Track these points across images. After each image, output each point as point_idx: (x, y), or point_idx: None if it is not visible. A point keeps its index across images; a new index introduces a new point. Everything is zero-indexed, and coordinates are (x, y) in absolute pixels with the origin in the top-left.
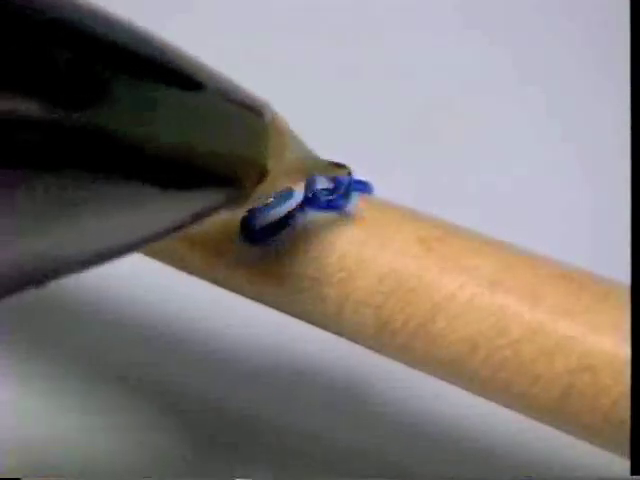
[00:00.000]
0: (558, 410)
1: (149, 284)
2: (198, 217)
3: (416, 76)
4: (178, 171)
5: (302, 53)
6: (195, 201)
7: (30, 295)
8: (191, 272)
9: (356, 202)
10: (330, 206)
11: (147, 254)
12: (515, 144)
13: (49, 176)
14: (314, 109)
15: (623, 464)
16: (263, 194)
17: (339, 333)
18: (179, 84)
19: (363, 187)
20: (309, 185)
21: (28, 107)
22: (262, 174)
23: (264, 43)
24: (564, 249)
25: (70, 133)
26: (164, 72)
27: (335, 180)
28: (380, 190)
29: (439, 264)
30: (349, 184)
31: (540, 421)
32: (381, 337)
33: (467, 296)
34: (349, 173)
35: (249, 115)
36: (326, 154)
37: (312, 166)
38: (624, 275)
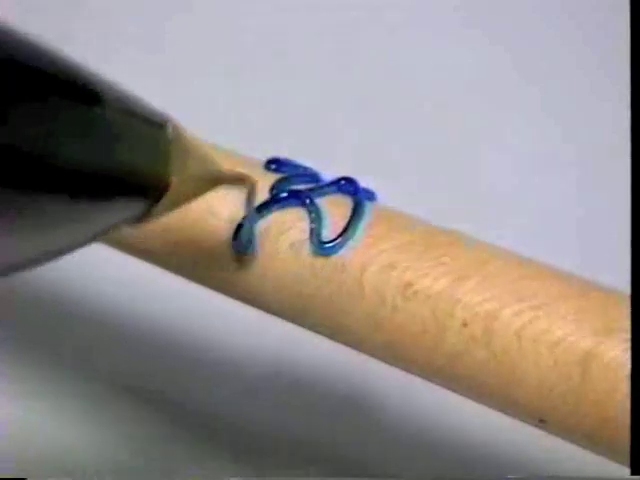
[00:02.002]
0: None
1: (150, 293)
2: (99, 232)
3: (416, 79)
4: (77, 184)
5: (303, 54)
6: (96, 215)
7: (32, 297)
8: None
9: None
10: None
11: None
12: (515, 147)
13: None
14: (317, 110)
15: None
16: (166, 208)
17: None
18: (76, 97)
19: (368, 195)
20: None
21: None
22: (164, 188)
23: (267, 45)
24: (566, 252)
25: None
26: (61, 85)
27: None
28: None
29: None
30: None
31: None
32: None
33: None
34: (252, 185)
35: (150, 129)
36: (330, 157)
37: (217, 178)
38: (624, 277)
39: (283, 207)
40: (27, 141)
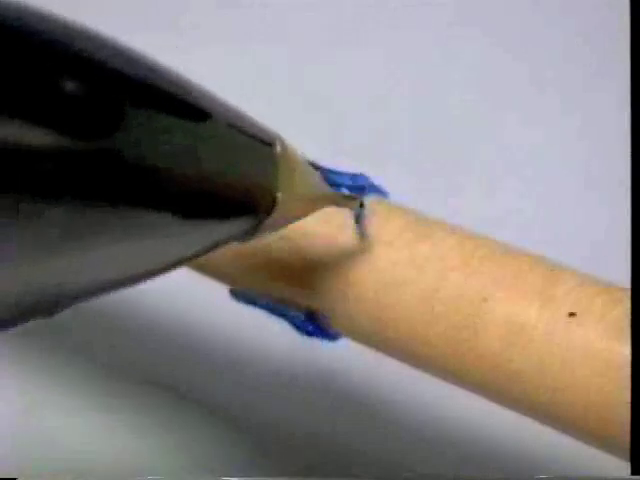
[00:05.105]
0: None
1: (157, 287)
2: (208, 248)
3: (416, 77)
4: (186, 200)
5: (307, 54)
6: (204, 231)
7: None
8: None
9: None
10: None
11: None
12: (515, 146)
13: (59, 206)
14: (323, 111)
15: (623, 464)
16: (273, 225)
17: None
18: (187, 115)
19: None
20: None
21: (35, 136)
22: (272, 205)
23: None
24: (566, 251)
25: (79, 162)
26: (172, 102)
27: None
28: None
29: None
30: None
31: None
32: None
33: None
34: (361, 204)
35: (258, 146)
36: (343, 159)
37: (323, 198)
38: (624, 275)
39: None
40: (138, 156)
